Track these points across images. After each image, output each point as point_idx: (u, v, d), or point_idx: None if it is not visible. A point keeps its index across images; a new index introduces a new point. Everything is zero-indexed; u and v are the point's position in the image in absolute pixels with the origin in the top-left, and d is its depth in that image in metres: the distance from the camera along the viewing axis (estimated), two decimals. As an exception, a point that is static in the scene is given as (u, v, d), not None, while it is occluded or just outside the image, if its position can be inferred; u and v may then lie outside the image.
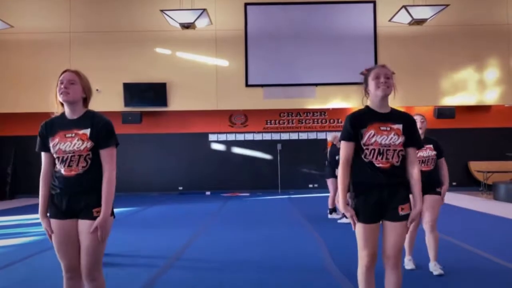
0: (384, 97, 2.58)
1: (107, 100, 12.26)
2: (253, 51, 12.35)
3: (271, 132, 13.11)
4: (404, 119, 2.57)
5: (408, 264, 4.14)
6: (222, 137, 12.92)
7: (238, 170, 12.81)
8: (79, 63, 12.31)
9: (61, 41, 12.32)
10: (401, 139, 2.49)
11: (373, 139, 2.48)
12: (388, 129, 2.50)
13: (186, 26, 10.22)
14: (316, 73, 12.28)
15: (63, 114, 2.55)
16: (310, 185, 12.91)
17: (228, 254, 4.93)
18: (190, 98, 12.26)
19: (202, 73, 12.28)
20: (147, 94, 12.11)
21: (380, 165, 2.46)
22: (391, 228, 2.46)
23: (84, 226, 2.37)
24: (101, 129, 2.46)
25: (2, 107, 12.17)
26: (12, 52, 12.34)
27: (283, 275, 4.01)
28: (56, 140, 2.45)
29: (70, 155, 2.41)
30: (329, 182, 7.53)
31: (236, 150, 12.97)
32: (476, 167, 12.51)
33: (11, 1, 12.31)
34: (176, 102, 12.32)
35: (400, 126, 2.51)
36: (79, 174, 2.40)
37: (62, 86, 2.46)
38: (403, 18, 10.53)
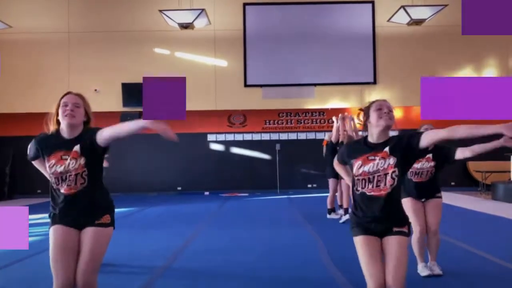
0: (386, 129, 2.51)
1: (106, 100, 12.25)
2: (252, 51, 12.35)
3: (270, 132, 13.11)
4: (392, 140, 2.49)
5: (423, 271, 3.93)
6: (221, 137, 12.92)
7: (237, 170, 12.80)
8: (78, 63, 12.31)
9: (60, 41, 12.30)
10: (389, 161, 2.42)
11: (361, 170, 2.48)
12: (374, 157, 2.47)
13: (185, 26, 10.22)
14: (315, 73, 12.28)
15: (58, 132, 2.53)
16: (309, 185, 12.91)
17: (224, 256, 4.92)
18: (188, 98, 12.03)
19: (201, 73, 12.27)
20: (146, 94, 12.07)
21: (372, 193, 2.45)
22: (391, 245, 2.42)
23: (88, 232, 2.39)
24: (87, 134, 2.48)
25: (0, 107, 12.15)
26: (10, 52, 12.30)
27: (280, 280, 4.00)
28: (53, 161, 2.46)
29: (67, 174, 2.42)
30: (330, 182, 7.36)
31: (235, 150, 12.96)
32: (474, 167, 12.53)
33: (10, 1, 12.29)
34: (175, 102, 12.29)
35: (387, 149, 2.45)
36: (80, 191, 2.43)
37: (68, 109, 2.46)
38: (401, 18, 10.55)
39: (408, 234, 2.46)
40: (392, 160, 2.43)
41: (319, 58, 12.29)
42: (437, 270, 3.88)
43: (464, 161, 12.84)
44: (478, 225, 6.81)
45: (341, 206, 7.13)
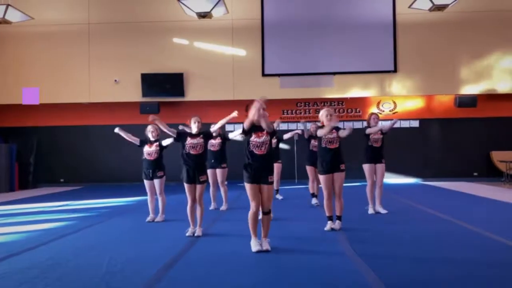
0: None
1: (125, 90, 12.38)
2: (270, 40, 12.26)
3: (287, 122, 13.04)
4: None
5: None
6: (239, 127, 12.90)
7: (255, 160, 12.78)
8: (98, 54, 12.45)
9: (80, 33, 12.45)
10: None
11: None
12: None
13: (203, 15, 10.19)
14: (334, 62, 12.12)
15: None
16: (328, 175, 12.82)
17: (239, 247, 4.94)
18: (207, 88, 12.27)
19: (219, 63, 12.27)
20: (165, 85, 12.18)
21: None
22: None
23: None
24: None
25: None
26: (32, 44, 12.54)
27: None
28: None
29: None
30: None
31: (253, 140, 12.93)
32: (498, 157, 12.22)
33: (31, -7, 12.47)
34: (193, 92, 12.36)
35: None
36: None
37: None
38: (423, 4, 10.25)
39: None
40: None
41: (338, 46, 12.11)
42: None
43: (488, 151, 12.56)
44: (505, 215, 6.66)
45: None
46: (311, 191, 7.91)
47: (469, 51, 11.91)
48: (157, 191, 6.43)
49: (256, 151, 4.41)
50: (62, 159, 12.96)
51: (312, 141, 7.67)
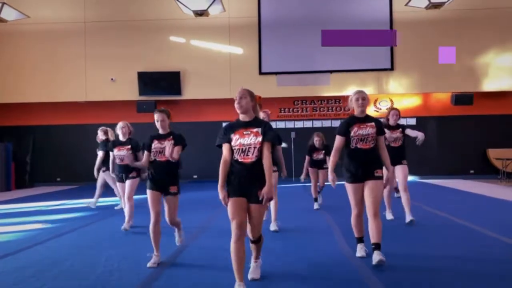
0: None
1: (122, 89, 12.35)
2: (267, 38, 12.24)
3: (285, 120, 13.04)
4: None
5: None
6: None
7: (252, 158, 12.77)
8: (94, 52, 12.40)
9: (76, 31, 12.40)
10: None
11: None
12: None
13: (200, 13, 10.18)
14: (331, 60, 12.13)
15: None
16: (325, 173, 12.84)
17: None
18: (203, 87, 12.25)
19: (216, 61, 12.25)
20: (161, 83, 12.15)
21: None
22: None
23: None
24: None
25: (19, 97, 12.36)
26: (28, 43, 12.47)
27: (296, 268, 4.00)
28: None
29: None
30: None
31: (250, 138, 12.93)
32: (494, 154, 12.26)
33: (26, -8, 12.41)
34: (190, 91, 12.34)
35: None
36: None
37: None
38: (420, 2, 10.27)
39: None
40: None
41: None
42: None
43: (484, 148, 12.60)
44: (501, 212, 6.68)
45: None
46: (313, 195, 7.42)
47: (465, 49, 11.94)
48: (126, 194, 5.56)
49: (241, 159, 3.14)
50: (58, 158, 12.91)
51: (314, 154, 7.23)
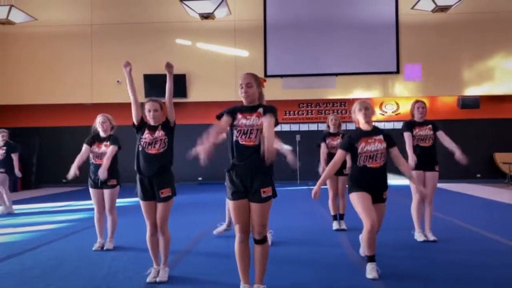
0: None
1: (128, 91, 12.38)
2: (272, 41, 12.25)
3: (290, 123, 13.03)
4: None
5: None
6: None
7: (257, 161, 12.76)
8: (100, 55, 12.47)
9: (83, 33, 12.47)
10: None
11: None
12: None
13: (205, 16, 10.20)
14: (337, 63, 12.10)
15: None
16: (330, 176, 12.79)
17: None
18: (209, 89, 12.27)
19: (221, 63, 12.27)
20: (167, 85, 12.16)
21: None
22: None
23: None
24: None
25: (25, 99, 12.44)
26: (35, 45, 12.56)
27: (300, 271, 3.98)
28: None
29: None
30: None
31: (255, 141, 12.92)
32: (501, 158, 12.17)
33: (34, -6, 12.51)
34: (196, 93, 12.36)
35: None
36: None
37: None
38: (426, 5, 10.23)
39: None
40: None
41: (341, 47, 12.09)
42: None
43: (491, 152, 12.51)
44: (508, 216, 6.62)
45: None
46: (332, 213, 5.79)
47: (472, 52, 11.88)
48: (106, 207, 4.81)
49: (242, 141, 2.98)
50: (64, 160, 12.91)
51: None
